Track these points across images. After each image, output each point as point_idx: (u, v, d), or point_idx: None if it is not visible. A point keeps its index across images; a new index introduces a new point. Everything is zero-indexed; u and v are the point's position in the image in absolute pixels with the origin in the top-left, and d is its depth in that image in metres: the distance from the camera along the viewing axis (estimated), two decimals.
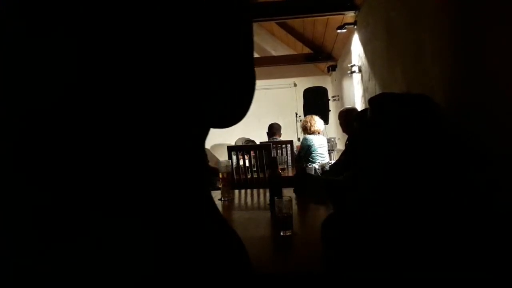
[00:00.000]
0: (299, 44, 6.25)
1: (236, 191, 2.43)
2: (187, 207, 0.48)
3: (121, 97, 0.43)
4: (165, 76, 0.45)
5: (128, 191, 0.43)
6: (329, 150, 4.52)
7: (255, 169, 3.31)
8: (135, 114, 0.43)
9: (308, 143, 4.10)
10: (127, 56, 0.43)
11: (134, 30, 0.43)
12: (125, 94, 0.43)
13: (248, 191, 2.52)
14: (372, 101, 1.28)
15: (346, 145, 2.88)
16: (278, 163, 2.33)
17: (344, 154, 2.82)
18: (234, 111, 0.55)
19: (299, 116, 6.37)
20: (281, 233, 1.36)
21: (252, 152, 3.36)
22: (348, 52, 4.69)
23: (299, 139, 5.99)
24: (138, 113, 0.43)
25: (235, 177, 3.26)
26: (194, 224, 0.49)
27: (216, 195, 2.10)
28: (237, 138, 5.27)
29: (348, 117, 3.03)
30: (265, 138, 4.74)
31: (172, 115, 0.46)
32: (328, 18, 4.40)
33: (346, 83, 5.20)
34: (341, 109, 3.52)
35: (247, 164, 3.31)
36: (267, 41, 6.65)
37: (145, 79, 0.44)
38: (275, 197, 1.48)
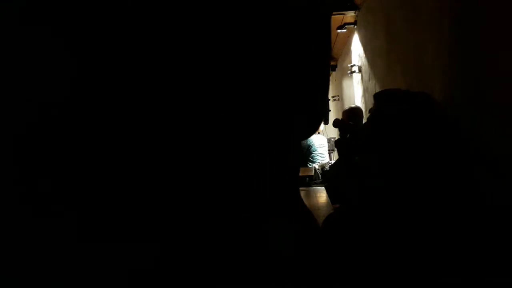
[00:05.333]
0: None
1: None
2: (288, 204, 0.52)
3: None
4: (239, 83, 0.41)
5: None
6: (329, 150, 4.52)
7: None
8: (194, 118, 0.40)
9: (308, 143, 4.10)
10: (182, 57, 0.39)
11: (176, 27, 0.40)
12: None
13: None
14: (377, 96, 1.32)
15: None
16: None
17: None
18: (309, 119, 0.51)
19: None
20: None
21: None
22: (348, 52, 4.69)
23: None
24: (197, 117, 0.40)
25: None
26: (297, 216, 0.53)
27: None
28: None
29: (351, 116, 3.04)
30: None
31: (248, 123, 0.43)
32: None
33: (346, 83, 5.20)
34: (346, 107, 3.53)
35: None
36: None
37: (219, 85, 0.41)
38: None
